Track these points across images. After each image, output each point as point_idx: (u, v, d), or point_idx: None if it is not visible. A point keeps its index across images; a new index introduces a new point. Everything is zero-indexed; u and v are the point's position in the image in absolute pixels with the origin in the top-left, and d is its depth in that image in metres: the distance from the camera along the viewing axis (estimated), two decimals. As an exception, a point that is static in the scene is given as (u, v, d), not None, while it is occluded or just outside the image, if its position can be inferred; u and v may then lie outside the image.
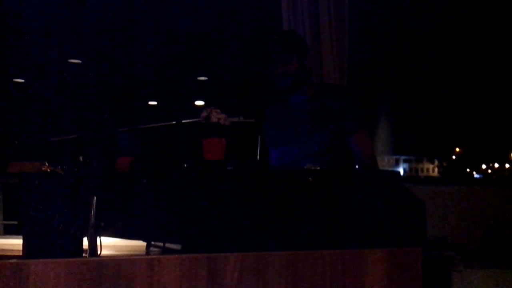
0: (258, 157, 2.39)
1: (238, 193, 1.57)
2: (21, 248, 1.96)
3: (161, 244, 1.69)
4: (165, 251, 1.66)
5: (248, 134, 2.31)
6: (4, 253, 2.82)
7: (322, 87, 2.52)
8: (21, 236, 1.98)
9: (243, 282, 1.32)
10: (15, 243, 2.87)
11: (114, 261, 1.24)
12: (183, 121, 1.97)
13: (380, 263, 1.46)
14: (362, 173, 1.85)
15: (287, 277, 1.36)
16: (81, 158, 1.78)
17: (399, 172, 1.87)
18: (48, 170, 1.85)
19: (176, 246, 1.67)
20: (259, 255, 1.35)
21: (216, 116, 1.79)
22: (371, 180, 1.64)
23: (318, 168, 1.63)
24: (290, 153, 2.39)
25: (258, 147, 2.40)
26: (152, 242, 1.77)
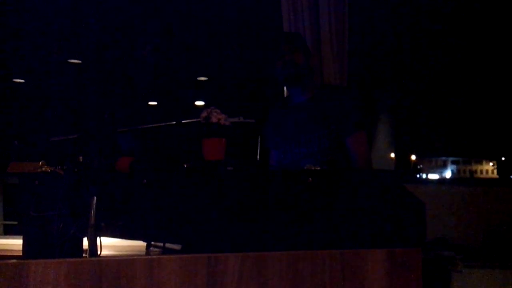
0: (258, 157, 2.39)
1: (238, 193, 1.57)
2: (21, 248, 1.96)
3: (161, 244, 1.69)
4: (165, 251, 1.66)
5: (248, 134, 2.31)
6: (4, 253, 2.83)
7: (323, 88, 2.54)
8: (21, 236, 1.98)
9: (243, 282, 1.32)
10: (15, 243, 2.87)
11: (114, 261, 1.24)
12: (183, 121, 1.97)
13: (380, 263, 1.46)
14: (362, 173, 1.85)
15: (287, 277, 1.36)
16: (81, 158, 1.78)
17: (399, 172, 1.87)
18: (48, 170, 1.85)
19: (176, 246, 1.67)
20: (259, 255, 1.35)
21: (216, 116, 1.79)
22: (371, 180, 1.64)
23: (318, 168, 1.63)
24: (290, 152, 2.39)
25: (258, 147, 2.40)
26: (152, 242, 1.77)
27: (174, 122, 1.99)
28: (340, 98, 2.39)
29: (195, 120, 1.88)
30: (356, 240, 1.53)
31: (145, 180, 1.71)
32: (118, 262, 1.24)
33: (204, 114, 1.81)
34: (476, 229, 3.66)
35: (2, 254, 2.77)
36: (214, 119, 1.78)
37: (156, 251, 1.75)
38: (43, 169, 1.86)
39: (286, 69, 2.35)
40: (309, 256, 1.40)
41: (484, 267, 3.03)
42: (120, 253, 2.32)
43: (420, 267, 1.51)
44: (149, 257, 1.29)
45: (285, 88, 2.91)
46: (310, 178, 1.54)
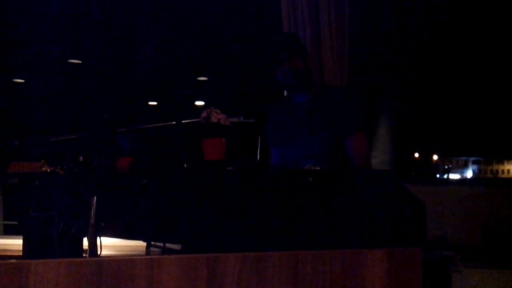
0: (258, 157, 2.39)
1: (238, 193, 1.57)
2: (21, 248, 1.96)
3: (161, 244, 1.69)
4: (165, 251, 1.66)
5: (248, 134, 2.31)
6: (4, 253, 2.83)
7: (323, 88, 2.53)
8: (21, 236, 1.98)
9: (243, 282, 1.32)
10: (15, 243, 2.87)
11: (114, 261, 1.24)
12: (183, 121, 1.97)
13: (380, 263, 1.46)
14: (362, 173, 1.85)
15: (287, 277, 1.36)
16: (81, 158, 1.78)
17: (399, 172, 1.87)
18: (48, 170, 1.85)
19: (176, 246, 1.67)
20: (259, 255, 1.35)
21: (216, 116, 1.79)
22: (371, 180, 1.64)
23: (318, 168, 1.63)
24: (291, 152, 2.39)
25: (258, 147, 2.40)
26: (152, 242, 1.77)
27: (174, 122, 1.99)
28: (340, 99, 2.39)
29: (195, 120, 1.88)
30: (356, 240, 1.53)
31: (145, 180, 1.70)
32: (118, 262, 1.24)
33: (204, 114, 1.81)
34: (476, 229, 3.66)
35: (2, 254, 2.77)
36: (214, 119, 1.79)
37: (156, 251, 1.75)
38: (43, 169, 1.86)
39: (287, 78, 2.34)
40: (309, 256, 1.40)
41: (484, 267, 3.03)
42: (120, 253, 2.32)
43: (420, 267, 1.51)
44: (149, 257, 1.29)
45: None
46: (310, 178, 1.54)
